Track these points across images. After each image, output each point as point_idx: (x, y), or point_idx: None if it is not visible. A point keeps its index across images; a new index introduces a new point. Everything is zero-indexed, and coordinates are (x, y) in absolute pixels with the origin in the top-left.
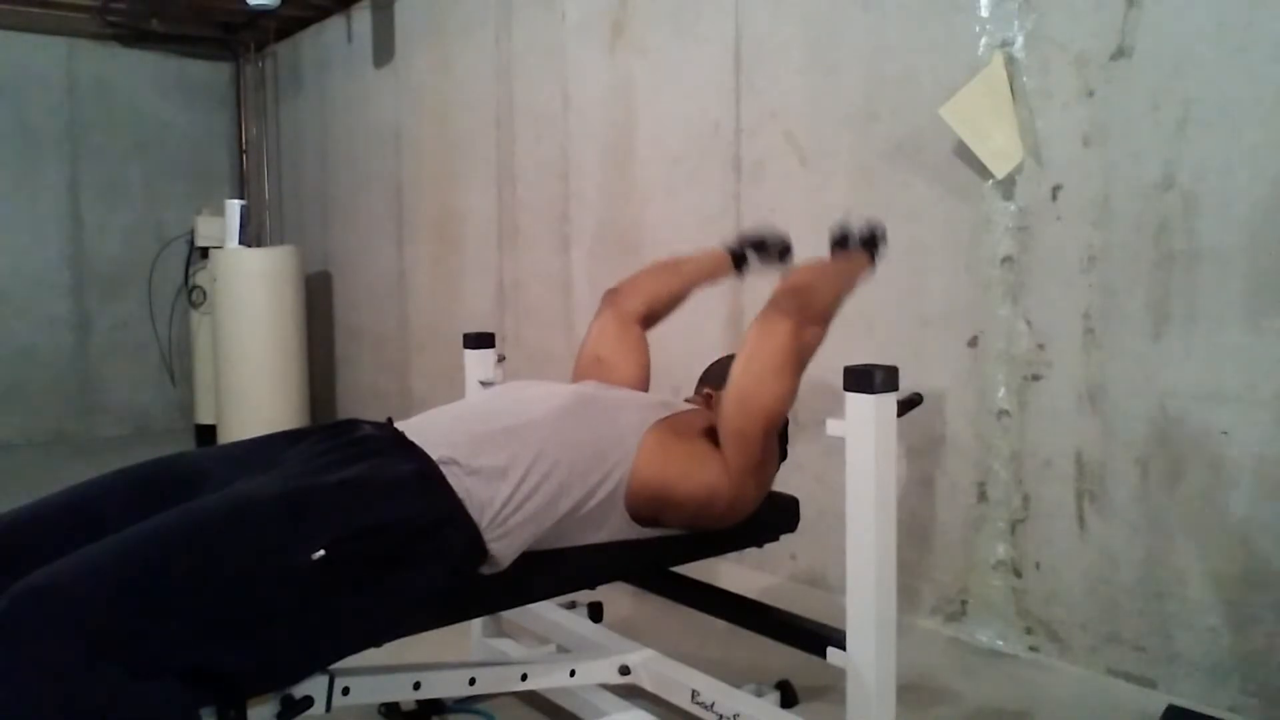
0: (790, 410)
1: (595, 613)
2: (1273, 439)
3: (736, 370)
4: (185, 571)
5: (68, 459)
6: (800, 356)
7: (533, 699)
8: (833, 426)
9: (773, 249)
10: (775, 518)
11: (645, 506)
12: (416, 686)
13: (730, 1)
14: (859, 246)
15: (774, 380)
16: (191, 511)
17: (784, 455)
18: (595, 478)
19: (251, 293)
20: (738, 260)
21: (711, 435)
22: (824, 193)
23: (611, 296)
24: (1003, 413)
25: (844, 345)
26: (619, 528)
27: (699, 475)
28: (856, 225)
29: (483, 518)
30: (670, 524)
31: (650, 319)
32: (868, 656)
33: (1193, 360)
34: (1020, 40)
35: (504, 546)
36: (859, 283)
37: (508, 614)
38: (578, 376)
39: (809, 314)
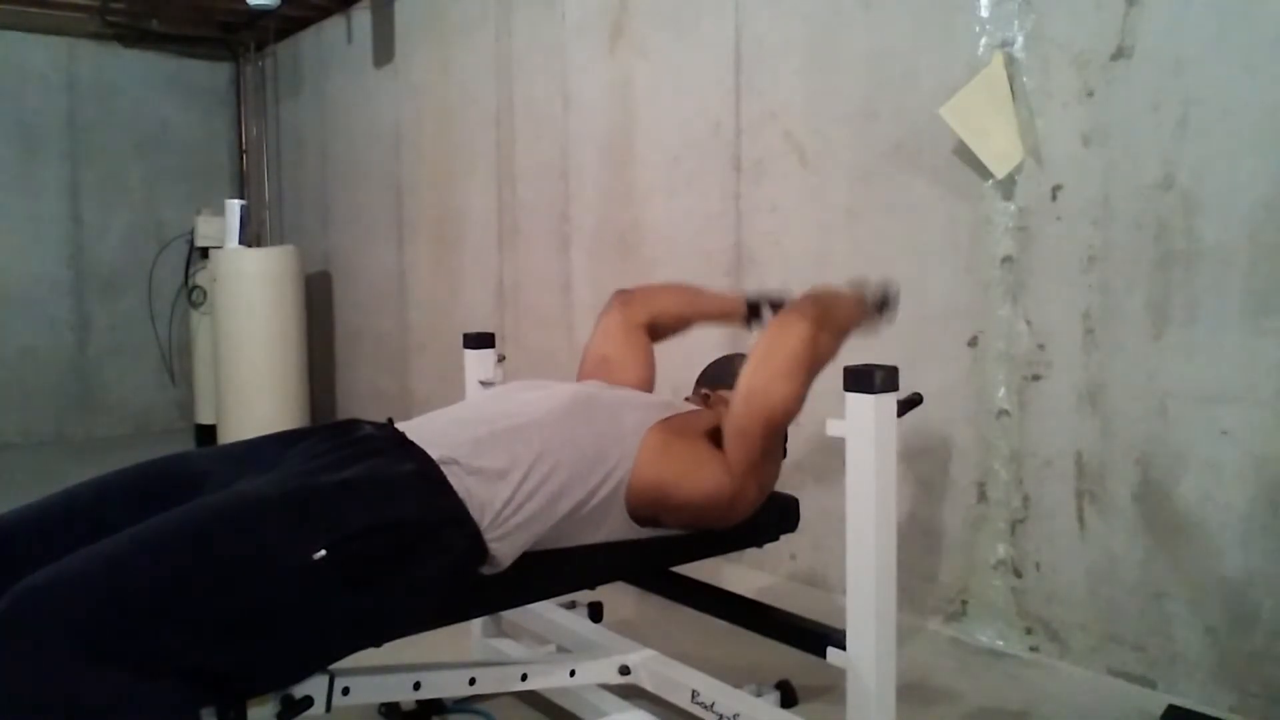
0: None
1: (595, 613)
2: (1273, 439)
3: (749, 367)
4: (185, 572)
5: (68, 459)
6: (813, 362)
7: (533, 699)
8: (833, 426)
9: None
10: (775, 518)
11: (645, 507)
12: (416, 686)
13: (730, 2)
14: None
15: (784, 381)
16: (192, 511)
17: (782, 454)
18: (596, 478)
19: (251, 293)
20: (753, 311)
21: (712, 436)
22: (824, 193)
23: (623, 297)
24: (1003, 413)
25: (844, 345)
26: (619, 528)
27: (699, 475)
28: (874, 282)
29: (483, 518)
30: (670, 524)
31: (652, 333)
32: (868, 656)
33: (1193, 360)
34: (1020, 40)
35: (504, 546)
36: (863, 326)
37: (508, 614)
38: (583, 375)
39: (827, 322)
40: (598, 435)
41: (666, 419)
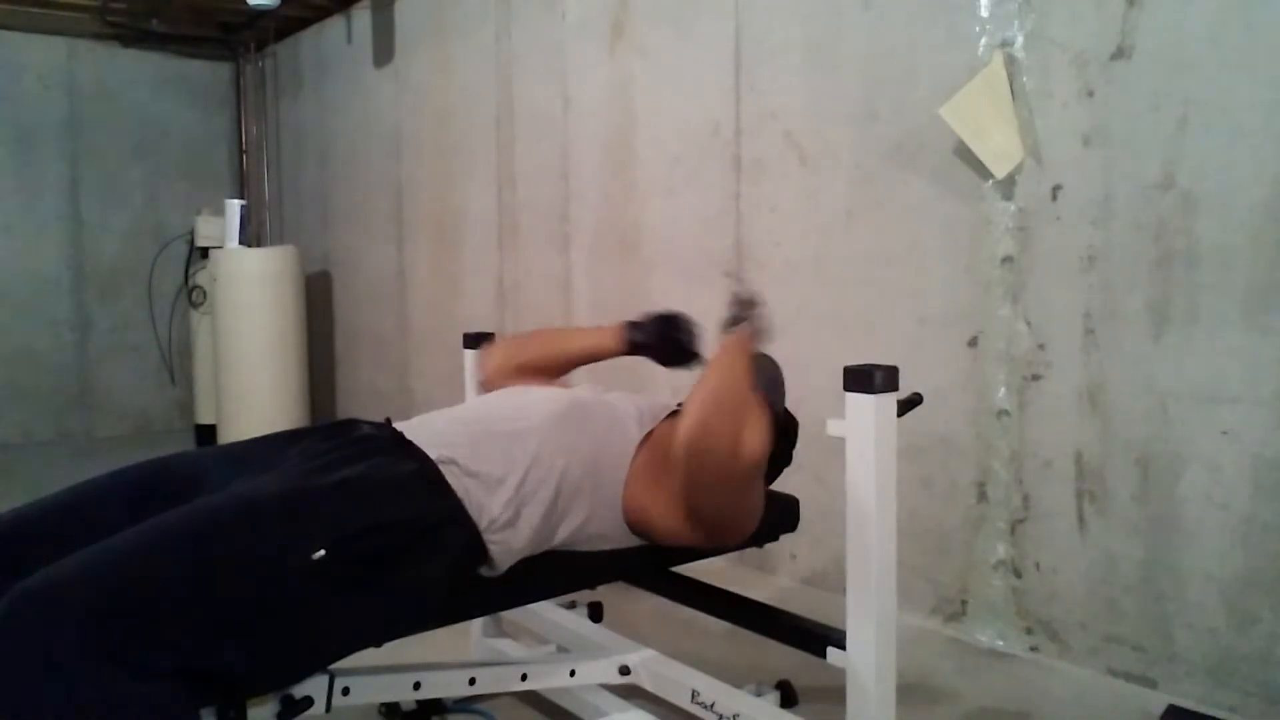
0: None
1: (595, 613)
2: (1273, 439)
3: (690, 431)
4: (185, 572)
5: (68, 459)
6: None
7: (533, 699)
8: (833, 426)
9: (682, 348)
10: (775, 518)
11: (638, 527)
12: (416, 686)
13: (730, 1)
14: (731, 325)
15: (749, 439)
16: (192, 512)
17: (789, 460)
18: (590, 498)
19: (251, 293)
20: (635, 346)
21: None
22: (824, 193)
23: (483, 356)
24: (1003, 413)
25: (844, 345)
26: (619, 540)
27: (679, 516)
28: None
29: (481, 519)
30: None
31: (524, 374)
32: (868, 656)
33: (1193, 360)
34: (1020, 40)
35: (502, 551)
36: (749, 353)
37: (508, 614)
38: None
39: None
40: (593, 447)
41: (651, 435)
